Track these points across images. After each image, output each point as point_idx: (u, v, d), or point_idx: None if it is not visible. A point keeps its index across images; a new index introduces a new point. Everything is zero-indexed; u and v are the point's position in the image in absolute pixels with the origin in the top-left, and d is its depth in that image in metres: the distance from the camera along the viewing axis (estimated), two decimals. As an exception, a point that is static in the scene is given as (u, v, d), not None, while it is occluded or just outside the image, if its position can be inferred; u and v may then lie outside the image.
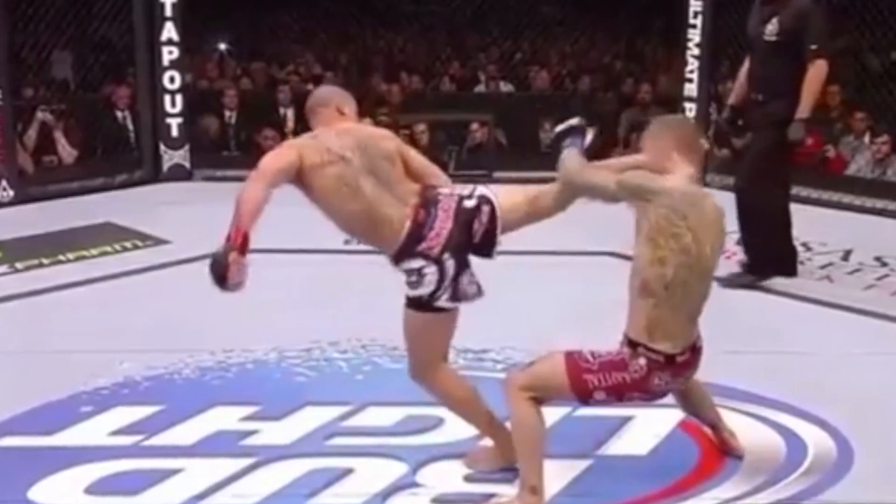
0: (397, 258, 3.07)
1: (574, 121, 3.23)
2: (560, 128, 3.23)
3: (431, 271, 3.02)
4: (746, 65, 5.16)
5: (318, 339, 4.34)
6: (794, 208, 7.03)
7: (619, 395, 2.96)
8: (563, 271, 5.44)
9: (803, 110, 4.81)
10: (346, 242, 4.46)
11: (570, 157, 3.14)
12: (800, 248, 5.90)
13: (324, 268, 5.41)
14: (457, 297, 3.08)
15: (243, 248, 2.92)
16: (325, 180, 3.05)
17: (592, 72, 10.39)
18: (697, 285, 2.92)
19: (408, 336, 3.20)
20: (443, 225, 3.05)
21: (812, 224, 6.32)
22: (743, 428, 3.55)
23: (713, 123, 5.37)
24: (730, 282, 5.01)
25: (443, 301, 3.06)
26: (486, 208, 3.11)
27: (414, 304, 3.10)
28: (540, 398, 2.99)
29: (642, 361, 2.90)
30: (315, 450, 3.37)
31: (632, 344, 2.92)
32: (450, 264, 3.03)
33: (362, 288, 4.86)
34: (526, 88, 10.09)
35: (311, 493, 3.12)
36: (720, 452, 3.39)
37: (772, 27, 4.87)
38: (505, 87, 10.16)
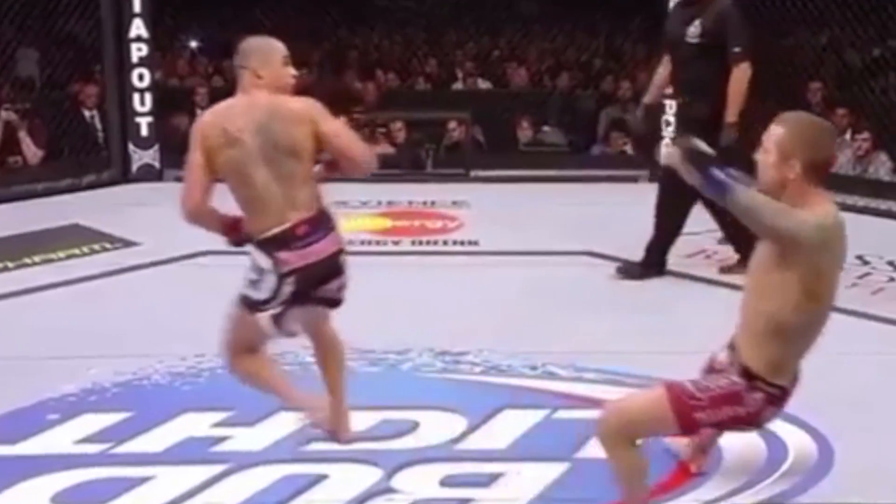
0: (256, 245, 3.06)
1: (700, 145, 2.80)
2: (688, 149, 2.78)
3: (271, 281, 3.02)
4: (664, 65, 5.23)
5: (291, 343, 4.31)
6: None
7: (724, 426, 2.89)
8: (538, 271, 5.44)
9: (731, 114, 4.87)
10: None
11: (752, 198, 2.66)
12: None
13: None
14: (279, 322, 3.08)
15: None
16: (221, 161, 3.02)
17: (571, 69, 10.42)
18: (826, 321, 2.79)
19: (227, 324, 3.20)
20: (314, 253, 3.03)
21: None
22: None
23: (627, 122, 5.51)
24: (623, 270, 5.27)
25: (267, 314, 3.06)
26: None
27: (244, 302, 3.10)
28: (637, 438, 2.80)
29: (759, 395, 2.74)
30: (288, 456, 3.37)
31: (750, 377, 2.74)
32: (287, 290, 3.02)
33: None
34: (504, 86, 10.11)
35: (284, 500, 3.12)
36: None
37: (694, 29, 4.91)
38: (482, 84, 10.17)
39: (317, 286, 3.10)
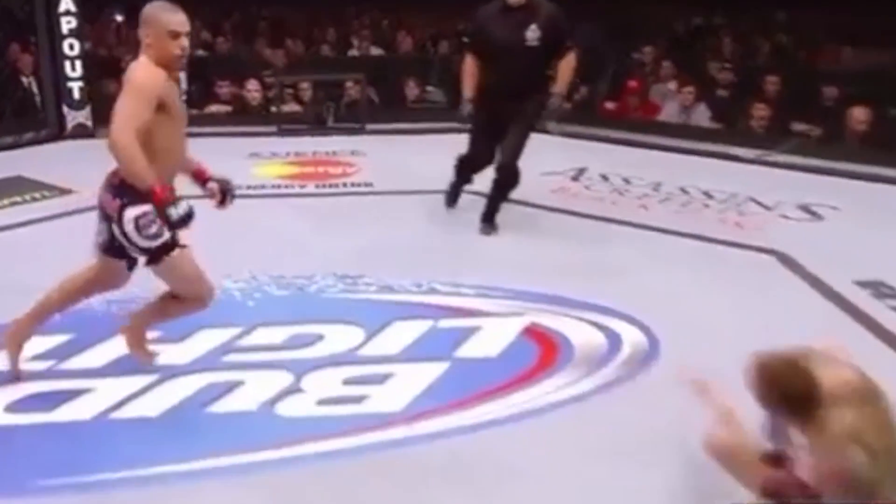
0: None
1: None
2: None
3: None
4: (471, 61, 4.86)
5: (213, 272, 4.24)
6: (620, 150, 7.29)
7: None
8: (423, 206, 5.45)
9: (562, 88, 4.84)
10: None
11: None
12: (621, 182, 6.10)
13: (215, 211, 5.29)
14: None
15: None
16: None
17: (450, 38, 10.34)
18: None
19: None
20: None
21: (631, 162, 6.53)
22: (574, 328, 3.69)
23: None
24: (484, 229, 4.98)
25: None
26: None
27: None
28: None
29: None
30: (210, 366, 3.34)
31: None
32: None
33: (253, 228, 4.81)
34: (393, 52, 9.99)
35: (208, 403, 3.11)
36: (555, 349, 3.52)
37: (533, 33, 4.68)
38: (375, 50, 10.03)
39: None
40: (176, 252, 2.97)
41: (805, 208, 5.51)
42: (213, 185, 3.22)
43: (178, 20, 2.89)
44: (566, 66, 4.80)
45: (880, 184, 6.02)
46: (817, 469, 2.14)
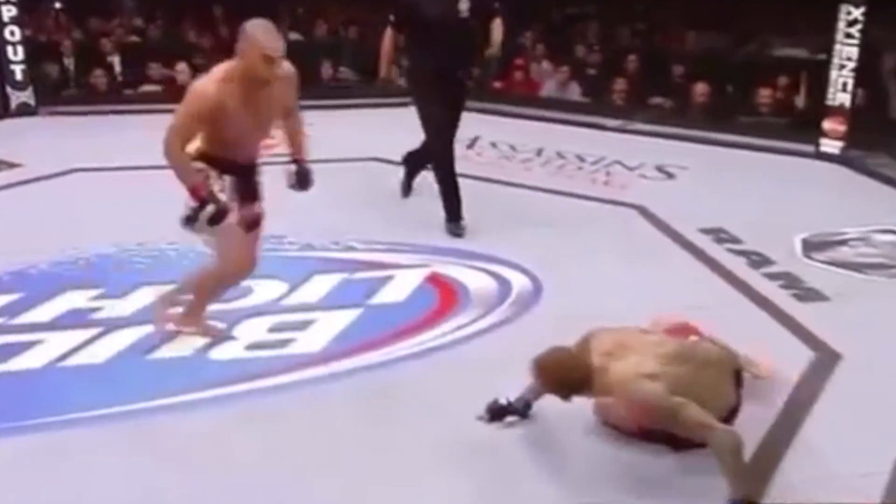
0: None
1: None
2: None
3: None
4: (390, 41, 4.34)
5: (151, 235, 4.09)
6: (507, 121, 7.30)
7: None
8: (339, 173, 5.35)
9: (496, 45, 4.35)
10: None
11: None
12: (508, 149, 6.12)
13: (152, 181, 5.09)
14: None
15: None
16: None
17: (360, 23, 10.12)
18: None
19: None
20: None
21: (516, 132, 6.55)
22: (470, 276, 3.70)
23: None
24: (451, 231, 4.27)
25: None
26: None
27: None
28: None
29: None
30: (151, 319, 3.21)
31: None
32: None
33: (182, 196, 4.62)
34: (310, 36, 9.71)
35: (149, 351, 3.00)
36: (455, 295, 3.52)
37: (464, 4, 4.19)
38: (294, 35, 9.73)
39: None
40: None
41: (661, 169, 5.64)
42: (290, 168, 3.15)
43: (275, 46, 2.72)
44: (497, 28, 4.30)
45: (720, 147, 6.20)
46: (629, 412, 2.31)
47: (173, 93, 7.59)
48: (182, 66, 7.61)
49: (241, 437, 2.51)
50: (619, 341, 2.33)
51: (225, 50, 8.70)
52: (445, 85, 4.21)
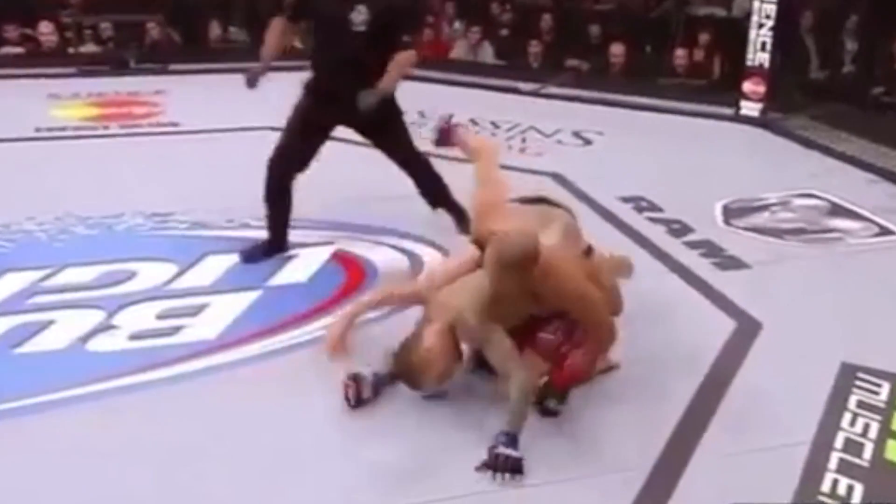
0: None
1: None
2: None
3: None
4: (277, 29, 3.60)
5: (16, 214, 3.89)
6: (416, 86, 7.23)
7: None
8: (229, 143, 5.23)
9: (387, 85, 3.46)
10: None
11: None
12: (417, 116, 6.08)
13: (16, 153, 4.86)
14: None
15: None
16: None
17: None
18: None
19: None
20: None
21: (426, 98, 6.52)
22: (378, 252, 3.69)
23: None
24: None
25: None
26: None
27: None
28: None
29: None
30: (16, 308, 3.08)
31: None
32: None
33: (58, 170, 4.43)
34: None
35: (16, 345, 2.87)
36: (362, 273, 3.50)
37: (359, 16, 3.40)
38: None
39: None
40: None
41: (577, 134, 5.74)
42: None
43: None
44: (397, 62, 3.44)
45: (638, 111, 6.35)
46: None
47: (38, 55, 7.28)
48: (46, 27, 7.25)
49: (124, 436, 2.43)
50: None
51: (96, 5, 8.38)
52: (324, 105, 3.46)
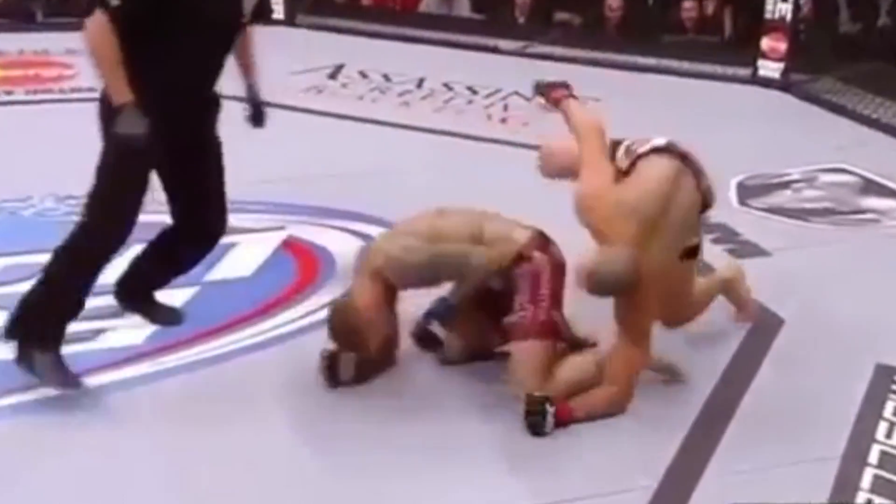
0: None
1: None
2: None
3: None
4: (110, 40, 2.58)
5: None
6: (379, 44, 7.26)
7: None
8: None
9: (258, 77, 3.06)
10: None
11: None
12: (381, 79, 6.08)
13: None
14: None
15: None
16: None
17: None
18: None
19: None
20: None
21: (391, 57, 6.52)
22: (335, 239, 3.71)
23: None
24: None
25: None
26: None
27: None
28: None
29: None
30: None
31: None
32: None
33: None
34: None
35: None
36: (316, 264, 3.50)
37: (249, 3, 2.87)
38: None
39: None
40: None
41: (569, 101, 5.75)
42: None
43: None
44: (251, 48, 3.04)
45: (638, 73, 6.40)
46: None
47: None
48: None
49: (36, 460, 2.42)
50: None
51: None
52: (180, 124, 2.75)
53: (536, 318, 2.65)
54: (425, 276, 2.77)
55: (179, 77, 2.68)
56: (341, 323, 2.73)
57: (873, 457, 2.49)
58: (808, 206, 4.23)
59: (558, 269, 2.73)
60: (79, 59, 6.30)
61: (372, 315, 2.71)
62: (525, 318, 2.66)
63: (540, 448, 2.51)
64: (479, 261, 2.72)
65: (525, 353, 2.66)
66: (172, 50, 2.65)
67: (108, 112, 2.65)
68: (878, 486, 2.39)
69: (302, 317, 3.17)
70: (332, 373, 2.74)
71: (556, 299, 2.70)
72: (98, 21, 2.59)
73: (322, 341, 2.82)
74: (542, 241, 2.77)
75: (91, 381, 2.75)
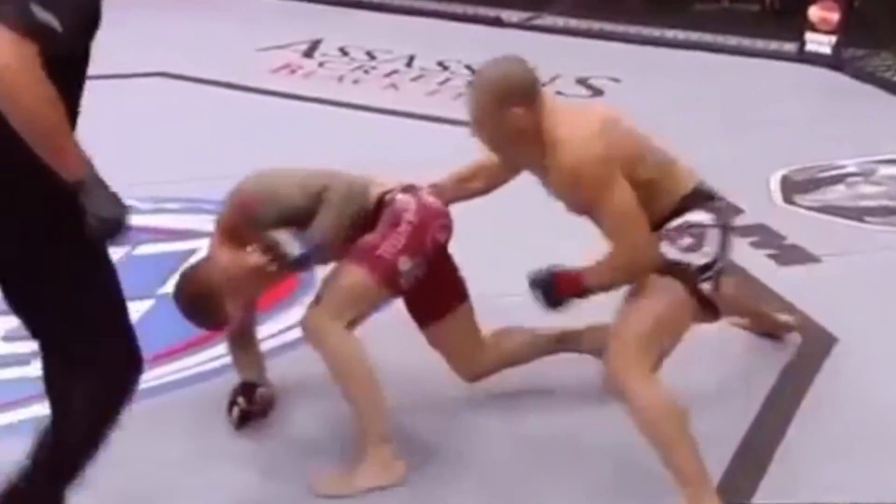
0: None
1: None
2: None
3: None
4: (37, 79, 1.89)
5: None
6: (363, 16, 7.27)
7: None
8: (118, 94, 5.21)
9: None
10: None
11: None
12: (364, 57, 6.11)
13: None
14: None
15: None
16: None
17: None
18: None
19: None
20: None
21: (377, 32, 6.55)
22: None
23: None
24: None
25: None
26: None
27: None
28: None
29: None
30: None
31: None
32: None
33: None
34: None
35: None
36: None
37: None
38: None
39: None
40: None
41: (583, 82, 5.80)
42: None
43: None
44: None
45: (665, 48, 6.42)
46: None
47: None
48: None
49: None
50: None
51: None
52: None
53: (374, 250, 2.68)
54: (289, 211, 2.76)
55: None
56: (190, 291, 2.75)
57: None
58: (864, 203, 4.26)
59: (431, 218, 2.80)
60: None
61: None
62: (366, 245, 2.70)
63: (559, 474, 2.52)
64: (341, 188, 2.80)
65: (346, 275, 2.68)
66: (70, 107, 2.08)
67: (52, 197, 2.00)
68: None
69: (272, 335, 3.21)
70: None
71: (416, 250, 2.72)
72: (19, 53, 1.85)
73: (300, 364, 2.84)
74: (414, 188, 2.88)
75: (27, 412, 2.76)
